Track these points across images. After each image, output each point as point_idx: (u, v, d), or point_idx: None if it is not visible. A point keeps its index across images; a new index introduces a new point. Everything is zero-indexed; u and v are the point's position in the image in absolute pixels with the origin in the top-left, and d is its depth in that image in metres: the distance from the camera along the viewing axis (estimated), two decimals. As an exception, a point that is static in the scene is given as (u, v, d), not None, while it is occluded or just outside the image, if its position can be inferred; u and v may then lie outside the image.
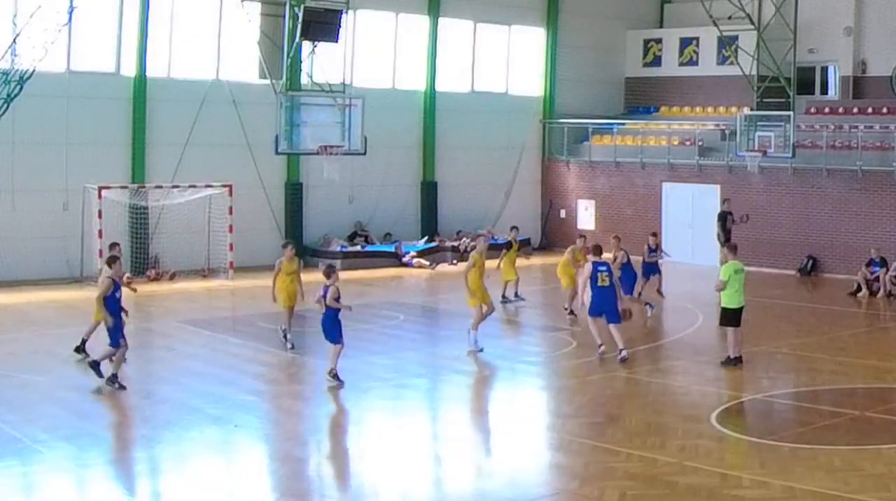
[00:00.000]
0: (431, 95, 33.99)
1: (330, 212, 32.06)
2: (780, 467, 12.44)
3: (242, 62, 30.03)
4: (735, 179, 32.07)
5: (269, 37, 28.92)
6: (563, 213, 36.26)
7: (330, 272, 16.81)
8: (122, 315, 16.72)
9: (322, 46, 27.75)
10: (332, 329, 16.68)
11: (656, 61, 37.72)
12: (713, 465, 12.60)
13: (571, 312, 22.55)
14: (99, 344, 17.34)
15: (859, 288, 26.56)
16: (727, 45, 32.28)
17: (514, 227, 25.73)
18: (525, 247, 29.82)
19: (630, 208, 34.43)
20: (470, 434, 14.90)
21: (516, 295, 24.54)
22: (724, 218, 28.93)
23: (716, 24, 31.61)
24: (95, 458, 13.06)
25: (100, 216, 26.65)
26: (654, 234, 25.16)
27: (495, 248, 32.68)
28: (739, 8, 30.79)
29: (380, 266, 30.32)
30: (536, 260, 32.46)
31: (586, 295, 18.93)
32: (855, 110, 32.30)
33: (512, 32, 35.79)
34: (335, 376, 16.67)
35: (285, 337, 19.43)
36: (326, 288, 16.58)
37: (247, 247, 29.38)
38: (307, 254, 31.40)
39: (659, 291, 24.52)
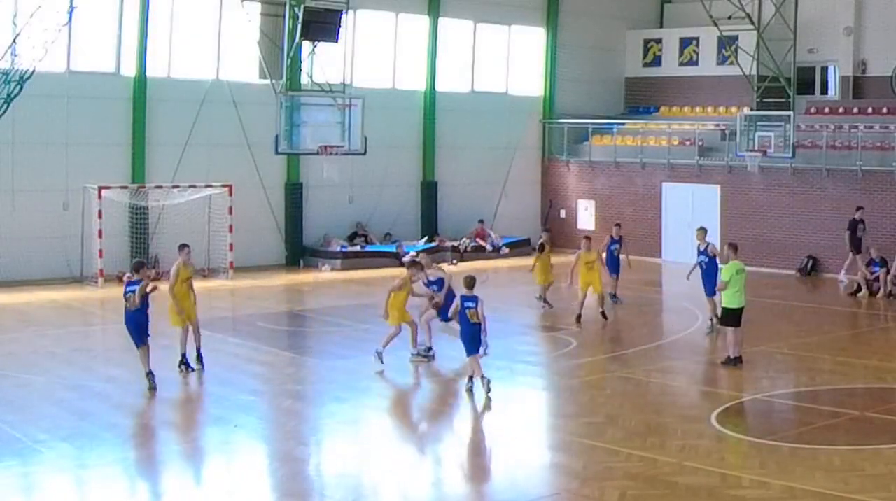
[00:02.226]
0: (431, 95, 33.98)
1: (330, 212, 32.05)
2: (780, 467, 12.44)
3: (242, 62, 30.03)
4: (735, 179, 32.08)
5: (269, 37, 28.92)
6: (563, 213, 36.25)
7: (473, 283, 16.37)
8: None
9: (322, 46, 27.74)
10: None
11: (656, 61, 37.72)
12: (713, 465, 12.60)
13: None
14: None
15: (859, 288, 26.55)
16: (727, 45, 32.28)
17: (587, 237, 25.41)
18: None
19: (630, 208, 34.42)
20: (470, 434, 14.90)
21: (543, 298, 24.31)
22: (854, 226, 28.07)
23: (716, 24, 31.61)
24: (95, 458, 13.06)
25: (100, 216, 26.67)
26: (618, 225, 25.46)
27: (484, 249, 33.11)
28: (739, 8, 30.78)
29: (380, 266, 30.28)
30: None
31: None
32: (855, 110, 32.30)
33: (512, 32, 35.79)
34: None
35: (381, 358, 17.98)
36: (471, 299, 16.16)
37: (247, 246, 29.41)
38: (307, 254, 31.47)
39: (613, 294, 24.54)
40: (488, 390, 15.97)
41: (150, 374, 16.31)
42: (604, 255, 24.53)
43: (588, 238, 23.33)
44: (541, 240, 25.22)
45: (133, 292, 16.48)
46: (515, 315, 23.77)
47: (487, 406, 15.78)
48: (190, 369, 17.52)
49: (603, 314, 22.53)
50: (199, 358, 17.73)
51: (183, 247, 18.34)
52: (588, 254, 22.56)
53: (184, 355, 17.61)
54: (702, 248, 22.03)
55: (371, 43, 32.44)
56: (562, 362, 19.01)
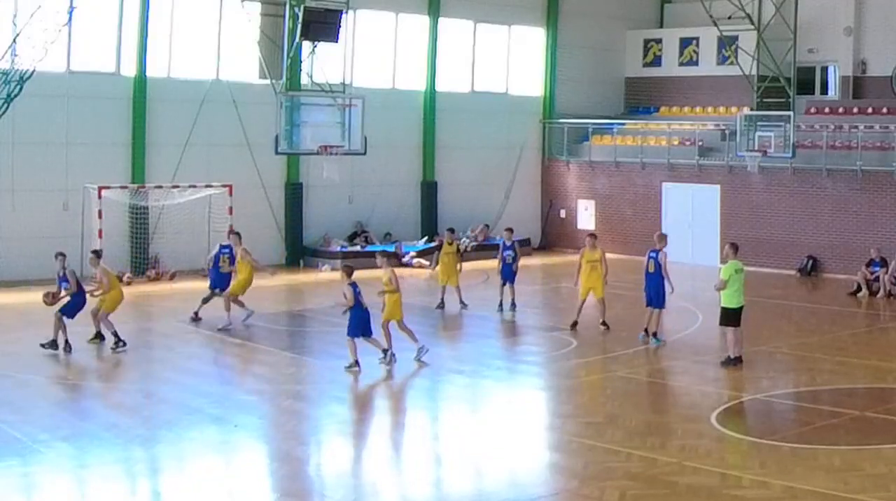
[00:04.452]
0: (431, 95, 33.98)
1: (330, 212, 32.05)
2: (780, 467, 12.44)
3: (242, 62, 30.03)
4: (735, 179, 32.08)
5: (269, 37, 28.92)
6: (563, 213, 36.25)
7: (352, 271, 18.02)
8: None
9: (322, 46, 27.73)
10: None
11: (656, 61, 37.71)
12: (713, 465, 12.61)
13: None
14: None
15: (859, 288, 26.55)
16: (727, 45, 32.27)
17: (450, 229, 25.48)
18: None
19: (630, 208, 34.43)
20: (470, 434, 14.90)
21: (460, 301, 24.20)
22: None
23: (716, 24, 31.60)
24: (95, 458, 13.06)
25: (100, 216, 26.66)
26: (510, 230, 24.54)
27: (487, 248, 32.99)
28: (739, 8, 30.78)
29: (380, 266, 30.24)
30: (536, 261, 32.50)
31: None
32: (855, 110, 32.30)
33: (512, 32, 35.78)
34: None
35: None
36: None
37: (247, 246, 29.34)
38: (307, 254, 31.47)
39: (503, 302, 23.76)
40: (352, 368, 17.51)
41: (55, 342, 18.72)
42: (497, 264, 24.04)
43: (593, 235, 22.07)
44: (440, 240, 25.19)
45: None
46: (515, 315, 23.76)
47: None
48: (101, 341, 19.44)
49: (604, 323, 21.16)
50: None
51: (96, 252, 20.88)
52: (591, 253, 21.29)
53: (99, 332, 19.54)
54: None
55: (371, 43, 32.43)
56: (562, 362, 19.01)
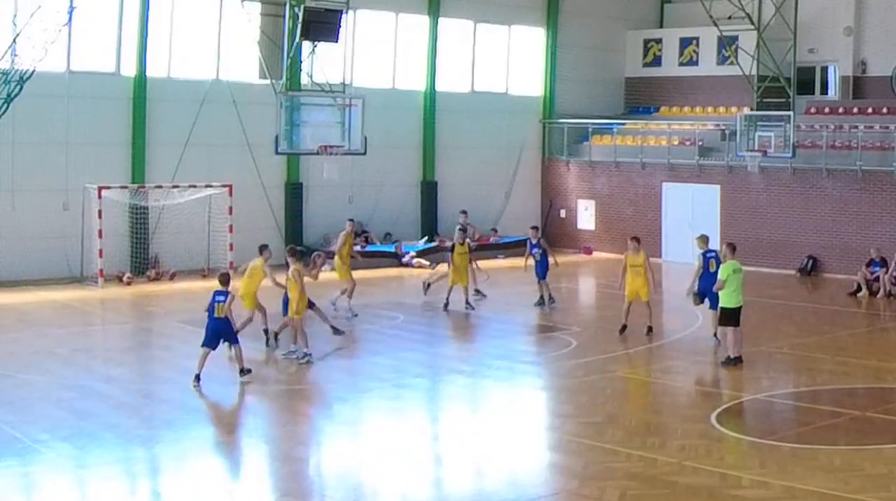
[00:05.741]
0: (431, 95, 33.99)
1: (330, 212, 32.04)
2: (780, 467, 12.44)
3: (242, 62, 30.04)
4: (735, 179, 32.09)
5: (269, 37, 28.94)
6: (563, 213, 36.26)
7: (227, 279, 17.07)
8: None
9: (322, 46, 27.74)
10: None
11: (656, 61, 37.73)
12: (713, 465, 12.61)
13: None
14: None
15: (859, 288, 26.56)
16: (727, 45, 32.28)
17: (462, 229, 25.51)
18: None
19: (630, 208, 34.43)
20: (470, 433, 14.90)
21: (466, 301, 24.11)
22: None
23: (716, 24, 31.61)
24: (95, 458, 13.06)
25: (100, 216, 26.67)
26: (535, 228, 25.12)
27: (489, 248, 33.01)
28: (739, 8, 30.78)
29: (380, 266, 30.30)
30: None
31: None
32: (855, 110, 32.30)
33: (512, 32, 35.80)
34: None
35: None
36: (223, 294, 16.85)
37: (247, 247, 29.32)
38: (307, 254, 31.43)
39: (543, 297, 24.24)
40: (245, 374, 16.93)
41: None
42: (531, 262, 24.25)
43: (636, 239, 21.09)
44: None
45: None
46: (516, 315, 23.78)
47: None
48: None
49: (650, 329, 20.72)
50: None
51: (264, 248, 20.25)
52: (635, 257, 20.67)
53: (266, 331, 19.51)
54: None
55: (371, 43, 32.44)
56: (562, 362, 19.00)
